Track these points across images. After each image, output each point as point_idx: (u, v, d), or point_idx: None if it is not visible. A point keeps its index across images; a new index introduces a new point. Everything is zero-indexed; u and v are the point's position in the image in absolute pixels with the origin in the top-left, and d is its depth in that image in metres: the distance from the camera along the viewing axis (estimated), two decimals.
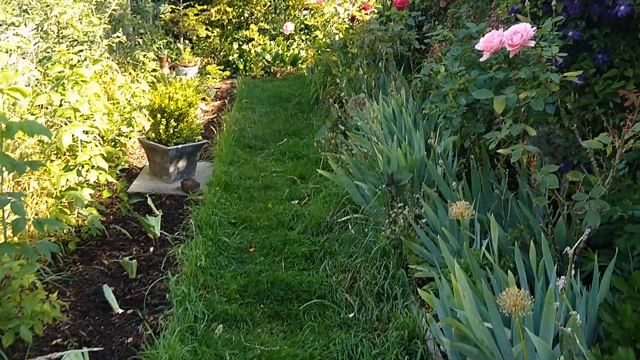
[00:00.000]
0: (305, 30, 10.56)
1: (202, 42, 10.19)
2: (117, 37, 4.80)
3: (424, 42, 4.61)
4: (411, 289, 2.82)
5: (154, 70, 6.32)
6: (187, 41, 10.17)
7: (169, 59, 8.27)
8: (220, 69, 9.01)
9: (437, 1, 5.82)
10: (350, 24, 4.53)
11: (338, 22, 4.91)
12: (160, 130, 4.36)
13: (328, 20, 5.01)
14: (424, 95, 4.52)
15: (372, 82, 4.68)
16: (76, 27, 4.23)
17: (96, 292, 2.91)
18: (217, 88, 8.32)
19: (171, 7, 10.14)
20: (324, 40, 5.71)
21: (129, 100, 4.98)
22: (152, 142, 4.43)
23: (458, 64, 2.63)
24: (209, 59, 9.98)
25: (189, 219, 3.67)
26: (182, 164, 4.48)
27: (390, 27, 4.56)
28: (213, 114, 6.82)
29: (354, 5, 4.85)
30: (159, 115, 4.38)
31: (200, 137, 4.63)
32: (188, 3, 10.40)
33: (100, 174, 3.20)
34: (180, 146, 4.40)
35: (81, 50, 4.00)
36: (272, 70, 9.31)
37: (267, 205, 4.02)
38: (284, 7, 10.86)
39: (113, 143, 4.42)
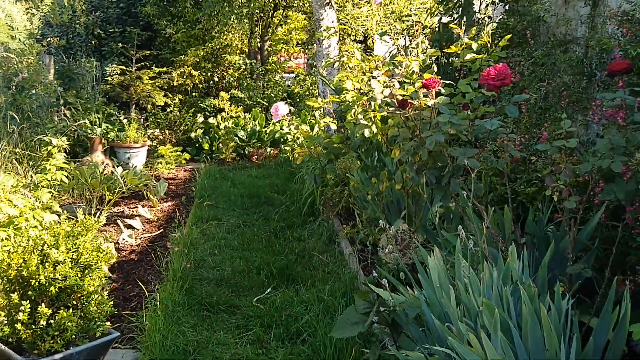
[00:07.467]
0: (289, 100, 8.58)
1: (158, 112, 8.06)
2: None
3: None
4: None
5: (62, 165, 4.06)
6: (139, 111, 8.05)
7: (104, 140, 6.05)
8: (178, 150, 6.83)
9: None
10: (399, 111, 2.44)
11: (366, 105, 2.82)
12: (18, 325, 2.10)
13: (349, 103, 2.90)
14: (557, 252, 2.40)
15: (433, 213, 2.57)
16: None
17: None
18: (170, 179, 6.10)
19: (120, 68, 8.05)
20: (340, 134, 3.61)
21: None
22: (3, 346, 2.16)
23: None
24: (167, 132, 7.84)
25: None
26: None
27: (463, 116, 2.51)
28: (158, 229, 4.57)
29: (391, 79, 2.79)
30: (15, 295, 2.13)
31: (108, 323, 2.38)
32: (143, 64, 8.34)
33: None
34: (58, 356, 2.14)
35: None
36: (246, 152, 7.20)
37: None
38: (262, 72, 8.89)
39: None
